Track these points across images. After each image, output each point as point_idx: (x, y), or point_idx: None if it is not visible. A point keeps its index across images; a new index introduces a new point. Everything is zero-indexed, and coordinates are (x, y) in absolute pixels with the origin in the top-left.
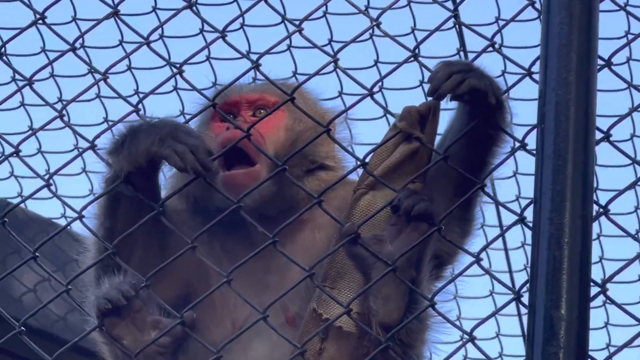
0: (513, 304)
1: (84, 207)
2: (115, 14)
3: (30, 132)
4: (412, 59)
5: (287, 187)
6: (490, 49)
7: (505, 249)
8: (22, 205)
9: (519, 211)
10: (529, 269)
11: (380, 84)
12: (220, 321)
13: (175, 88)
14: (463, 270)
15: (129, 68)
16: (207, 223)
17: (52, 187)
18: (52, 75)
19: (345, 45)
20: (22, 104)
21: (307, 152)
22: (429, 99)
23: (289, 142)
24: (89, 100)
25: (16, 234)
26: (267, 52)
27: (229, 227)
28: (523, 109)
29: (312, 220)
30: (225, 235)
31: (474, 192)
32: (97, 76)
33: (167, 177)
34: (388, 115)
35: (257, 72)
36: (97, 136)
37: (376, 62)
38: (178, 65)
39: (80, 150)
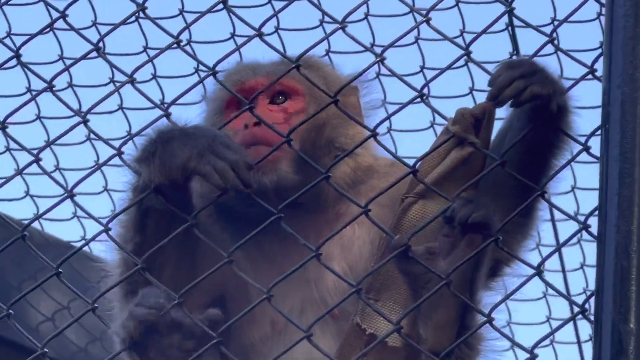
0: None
1: (111, 219)
2: (142, 9)
3: (47, 143)
4: (464, 58)
5: (316, 178)
6: (549, 49)
7: (563, 269)
8: (39, 227)
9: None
10: (587, 292)
11: (427, 89)
12: (260, 322)
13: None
14: (523, 284)
15: (154, 76)
16: (233, 227)
17: (72, 206)
18: (70, 85)
19: (391, 45)
20: (39, 117)
21: (332, 138)
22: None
23: (313, 130)
24: (110, 112)
25: (33, 259)
26: (307, 50)
27: (256, 215)
28: (584, 113)
29: (350, 214)
30: (259, 235)
31: (533, 199)
32: (118, 85)
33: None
34: (436, 124)
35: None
36: (125, 142)
37: (422, 67)
38: (212, 66)
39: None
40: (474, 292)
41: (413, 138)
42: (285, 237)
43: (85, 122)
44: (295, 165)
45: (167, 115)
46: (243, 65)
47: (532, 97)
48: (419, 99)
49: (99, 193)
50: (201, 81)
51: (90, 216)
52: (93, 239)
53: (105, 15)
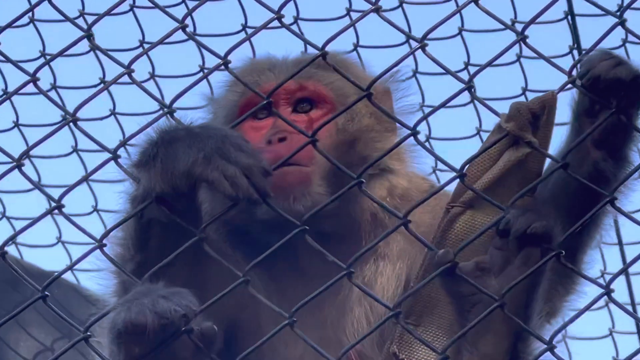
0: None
1: (106, 234)
2: None
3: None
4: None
5: (348, 202)
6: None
7: (631, 295)
8: (17, 254)
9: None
10: None
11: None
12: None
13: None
14: (589, 305)
15: (152, 76)
16: (246, 251)
17: (56, 229)
18: (53, 86)
19: (433, 29)
20: (17, 124)
21: (365, 156)
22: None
23: (343, 146)
24: (101, 118)
25: (11, 289)
26: (333, 38)
27: (275, 252)
28: None
29: (378, 248)
30: (271, 262)
31: (601, 207)
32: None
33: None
34: (482, 131)
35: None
36: (121, 145)
37: (467, 64)
38: (223, 56)
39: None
40: (529, 316)
41: (456, 147)
42: (304, 270)
43: (75, 121)
44: (329, 186)
45: (171, 112)
46: (258, 64)
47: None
48: (465, 91)
49: (89, 213)
50: (211, 72)
51: (80, 229)
52: (85, 256)
53: (95, 6)
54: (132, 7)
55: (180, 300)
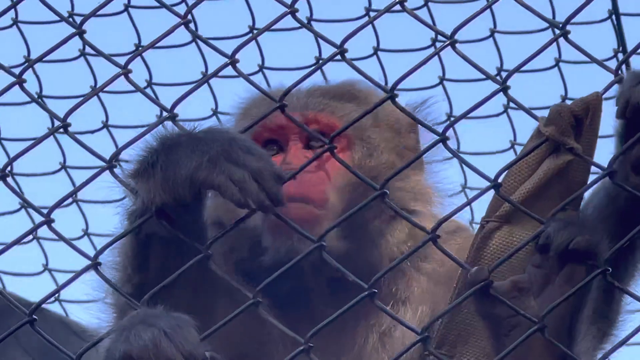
0: None
1: (101, 251)
2: None
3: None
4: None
5: (365, 247)
6: None
7: None
8: None
9: None
10: None
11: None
12: None
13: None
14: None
15: (150, 84)
16: (250, 282)
17: (42, 254)
18: (39, 96)
19: (462, 25)
20: None
21: (391, 193)
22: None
23: (360, 186)
24: (92, 132)
25: None
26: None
27: (283, 288)
28: None
29: (397, 291)
30: (278, 299)
31: None
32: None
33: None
34: (517, 145)
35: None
36: (117, 152)
37: (500, 69)
38: (230, 54)
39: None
40: (573, 341)
41: (487, 163)
42: (317, 314)
43: (65, 127)
44: (342, 231)
45: (173, 117)
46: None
47: None
48: (500, 92)
49: (79, 238)
50: (216, 73)
51: (72, 246)
52: (77, 276)
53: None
54: (127, 7)
55: (183, 343)
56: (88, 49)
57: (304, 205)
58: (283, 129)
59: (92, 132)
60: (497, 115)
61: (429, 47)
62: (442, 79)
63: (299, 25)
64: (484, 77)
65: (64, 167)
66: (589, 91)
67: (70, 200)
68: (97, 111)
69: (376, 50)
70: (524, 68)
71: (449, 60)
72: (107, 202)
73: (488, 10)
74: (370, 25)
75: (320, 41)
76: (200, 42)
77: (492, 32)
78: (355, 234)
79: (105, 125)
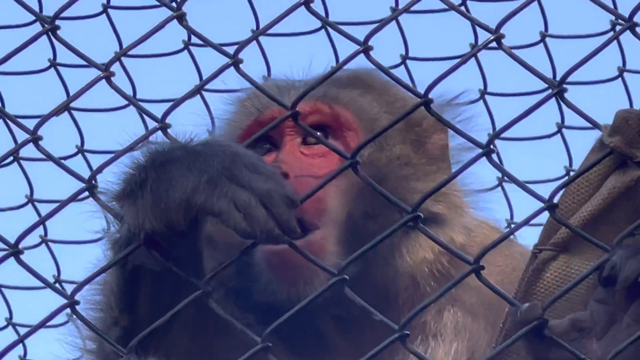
0: None
1: (79, 288)
2: None
3: None
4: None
5: (377, 266)
6: None
7: None
8: None
9: None
10: None
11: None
12: None
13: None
14: None
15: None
16: (257, 316)
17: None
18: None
19: (511, 16)
20: None
21: (403, 197)
22: None
23: (366, 192)
24: (66, 158)
25: None
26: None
27: (296, 325)
28: None
29: (427, 324)
30: (292, 336)
31: None
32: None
33: None
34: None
35: None
36: (99, 170)
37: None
38: (233, 54)
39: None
40: None
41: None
42: (328, 345)
43: (36, 140)
44: (346, 248)
45: (164, 128)
46: (265, 86)
47: None
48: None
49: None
50: (217, 74)
51: (41, 280)
52: (50, 319)
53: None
54: (106, 8)
55: None
56: (59, 58)
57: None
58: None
59: (66, 158)
60: (550, 136)
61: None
62: (484, 93)
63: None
64: (531, 91)
65: (30, 200)
66: None
67: (39, 239)
68: (72, 136)
69: (404, 58)
70: (582, 78)
71: (490, 65)
72: (83, 242)
73: (537, 9)
74: (396, 26)
75: (336, 41)
76: (195, 46)
77: (543, 37)
78: (368, 256)
79: (81, 151)
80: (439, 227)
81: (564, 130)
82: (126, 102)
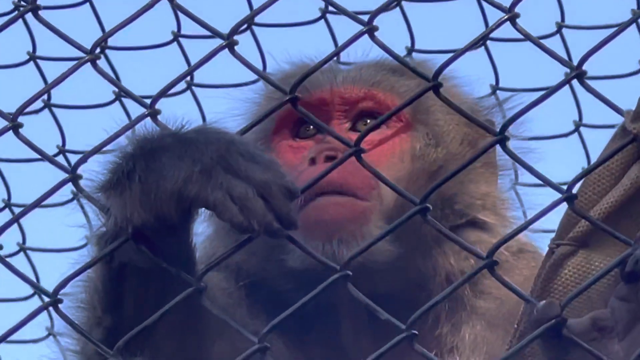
0: None
1: (62, 285)
2: None
3: None
4: None
5: (417, 255)
6: None
7: None
8: None
9: None
10: None
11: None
12: None
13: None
14: None
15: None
16: (266, 308)
17: None
18: None
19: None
20: None
21: (451, 195)
22: None
23: (420, 180)
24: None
25: None
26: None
27: (306, 319)
28: None
29: (442, 337)
30: (300, 331)
31: None
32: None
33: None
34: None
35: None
36: (83, 160)
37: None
38: (227, 35)
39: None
40: None
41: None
42: (346, 349)
43: (15, 128)
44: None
45: (153, 114)
46: (304, 67)
47: None
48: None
49: (26, 298)
50: (211, 56)
51: (23, 277)
52: (30, 319)
53: None
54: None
55: None
56: (39, 50)
57: (345, 200)
58: (326, 104)
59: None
60: (567, 135)
61: (480, 43)
62: (495, 88)
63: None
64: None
65: (7, 205)
66: None
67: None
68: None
69: (410, 50)
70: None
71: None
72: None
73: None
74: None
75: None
76: (185, 37)
77: (560, 27)
78: (409, 237)
79: (62, 151)
80: (481, 231)
81: (581, 128)
82: (109, 100)
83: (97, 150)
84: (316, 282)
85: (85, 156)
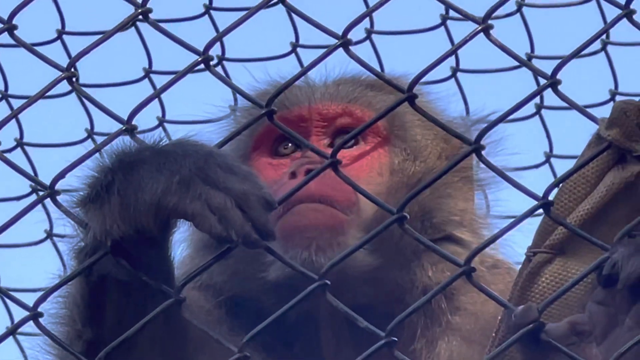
0: None
1: (43, 298)
2: None
3: None
4: None
5: (394, 267)
6: None
7: None
8: None
9: None
10: None
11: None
12: None
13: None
14: None
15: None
16: (248, 326)
17: None
18: None
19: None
20: None
21: (429, 209)
22: None
23: (398, 193)
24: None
25: None
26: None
27: (287, 333)
28: None
29: (417, 352)
30: (281, 346)
31: None
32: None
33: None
34: None
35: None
36: (61, 175)
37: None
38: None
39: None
40: None
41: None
42: (320, 351)
43: None
44: (372, 245)
45: (130, 130)
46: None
47: None
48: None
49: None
50: (187, 72)
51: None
52: (10, 334)
53: None
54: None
55: None
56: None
57: (324, 207)
58: (305, 121)
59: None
60: (528, 117)
61: (437, 26)
62: (456, 70)
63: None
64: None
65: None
66: None
67: None
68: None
69: (369, 32)
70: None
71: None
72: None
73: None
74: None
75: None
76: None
77: (520, 6)
78: (388, 249)
79: (20, 144)
80: (457, 247)
81: (543, 111)
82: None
83: (75, 166)
84: (297, 294)
85: (63, 172)
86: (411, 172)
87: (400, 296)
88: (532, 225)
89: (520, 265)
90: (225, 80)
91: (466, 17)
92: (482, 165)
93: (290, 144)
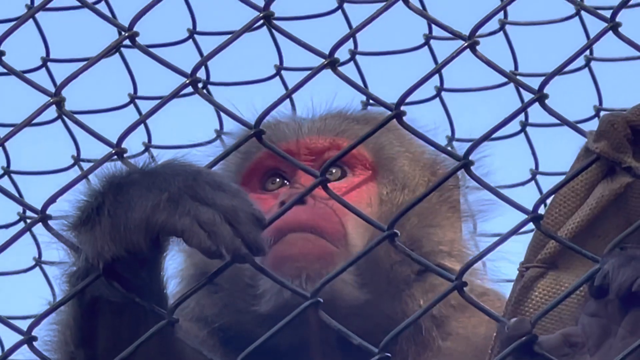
0: None
1: (36, 322)
2: None
3: None
4: None
5: (385, 300)
6: None
7: None
8: None
9: None
10: None
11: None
12: None
13: None
14: None
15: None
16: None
17: None
18: None
19: None
20: None
21: (415, 240)
22: None
23: (388, 220)
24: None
25: None
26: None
27: (281, 351)
28: None
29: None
30: None
31: None
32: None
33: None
34: None
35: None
36: (52, 200)
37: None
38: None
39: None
40: None
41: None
42: None
43: None
44: (359, 276)
45: (119, 153)
46: (273, 121)
47: None
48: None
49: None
50: (176, 94)
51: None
52: (10, 353)
53: None
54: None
55: None
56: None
57: (315, 238)
58: (293, 155)
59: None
60: (513, 135)
61: (421, 46)
62: (440, 89)
63: None
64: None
65: None
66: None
67: None
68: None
69: (353, 53)
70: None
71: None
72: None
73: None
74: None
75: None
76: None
77: (503, 24)
78: (377, 282)
79: (6, 172)
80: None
81: (528, 128)
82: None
83: (66, 190)
84: (289, 325)
85: (54, 196)
86: (399, 202)
87: (391, 327)
88: (524, 242)
89: (511, 284)
90: (214, 102)
91: (452, 34)
92: (471, 184)
93: (278, 179)
